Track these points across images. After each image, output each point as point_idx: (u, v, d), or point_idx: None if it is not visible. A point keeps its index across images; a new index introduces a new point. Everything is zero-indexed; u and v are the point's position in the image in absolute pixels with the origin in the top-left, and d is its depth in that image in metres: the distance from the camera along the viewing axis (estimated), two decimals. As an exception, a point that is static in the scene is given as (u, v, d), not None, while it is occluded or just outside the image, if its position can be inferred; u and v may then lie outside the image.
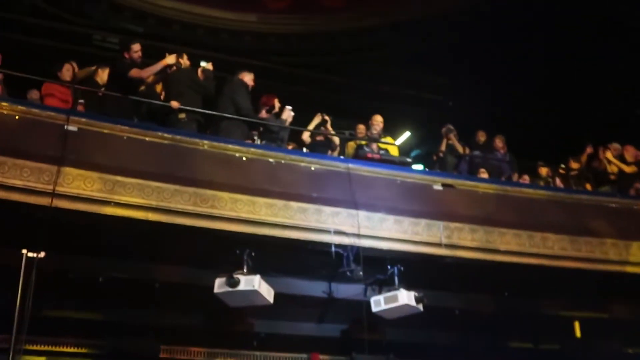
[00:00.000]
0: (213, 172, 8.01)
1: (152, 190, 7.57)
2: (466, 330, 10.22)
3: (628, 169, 11.18)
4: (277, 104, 9.85)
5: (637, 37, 12.98)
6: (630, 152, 11.54)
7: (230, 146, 8.32)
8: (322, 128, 10.49)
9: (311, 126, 10.43)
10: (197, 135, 8.37)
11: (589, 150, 11.93)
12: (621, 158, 11.62)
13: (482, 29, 13.88)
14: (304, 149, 9.86)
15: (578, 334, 10.38)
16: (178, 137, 8.12)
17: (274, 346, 9.99)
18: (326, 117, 10.58)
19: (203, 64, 9.57)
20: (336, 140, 10.49)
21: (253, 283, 7.69)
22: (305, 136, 10.31)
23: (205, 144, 8.18)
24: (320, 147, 10.18)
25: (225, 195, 7.86)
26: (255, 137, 9.60)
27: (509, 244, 8.91)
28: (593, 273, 9.22)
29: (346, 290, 8.87)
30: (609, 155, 11.35)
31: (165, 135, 8.06)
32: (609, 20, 12.58)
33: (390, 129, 11.73)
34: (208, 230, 7.71)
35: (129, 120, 8.29)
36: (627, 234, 9.57)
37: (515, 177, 11.04)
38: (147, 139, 7.95)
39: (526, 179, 11.06)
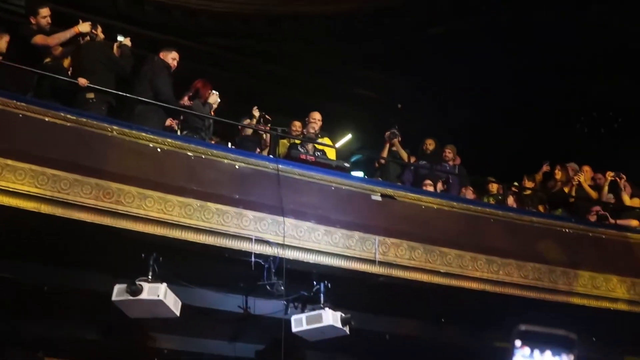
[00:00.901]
0: (121, 163, 7.83)
1: (47, 179, 7.34)
2: (396, 357, 10.28)
3: (595, 196, 11.39)
4: (210, 95, 9.65)
5: (599, 57, 13.38)
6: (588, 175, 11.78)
7: (144, 134, 8.13)
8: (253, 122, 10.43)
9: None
10: (106, 120, 8.15)
11: (546, 168, 12.16)
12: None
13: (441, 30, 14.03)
14: (229, 144, 9.75)
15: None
16: (84, 119, 7.88)
17: (178, 365, 9.86)
18: (267, 117, 10.53)
19: (120, 38, 9.38)
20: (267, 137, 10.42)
21: (158, 292, 7.55)
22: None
23: (114, 130, 7.98)
24: (248, 144, 10.09)
25: (133, 190, 7.68)
26: (176, 127, 9.46)
27: (450, 266, 8.99)
28: (539, 302, 9.38)
29: (265, 307, 8.81)
30: (581, 178, 11.52)
31: (69, 116, 7.82)
32: (569, 36, 12.91)
33: (330, 129, 11.71)
34: (110, 228, 7.53)
35: (26, 95, 8.03)
36: (579, 262, 9.77)
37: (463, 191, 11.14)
38: (46, 119, 7.71)
39: (469, 192, 11.16)
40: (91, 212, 7.46)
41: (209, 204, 7.99)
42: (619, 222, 10.76)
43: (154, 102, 8.90)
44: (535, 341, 1.12)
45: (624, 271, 9.87)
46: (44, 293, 8.09)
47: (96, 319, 8.80)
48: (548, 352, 1.13)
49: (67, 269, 8.17)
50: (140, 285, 7.52)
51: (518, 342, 1.12)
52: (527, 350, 1.14)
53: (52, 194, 7.31)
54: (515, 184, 12.17)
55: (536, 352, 1.14)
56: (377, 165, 11.87)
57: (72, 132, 7.79)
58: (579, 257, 9.86)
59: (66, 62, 9.31)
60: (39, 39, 8.60)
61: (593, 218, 10.79)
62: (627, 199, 11.33)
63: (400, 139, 11.67)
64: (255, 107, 10.64)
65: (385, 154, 11.63)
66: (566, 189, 11.84)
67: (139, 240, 7.71)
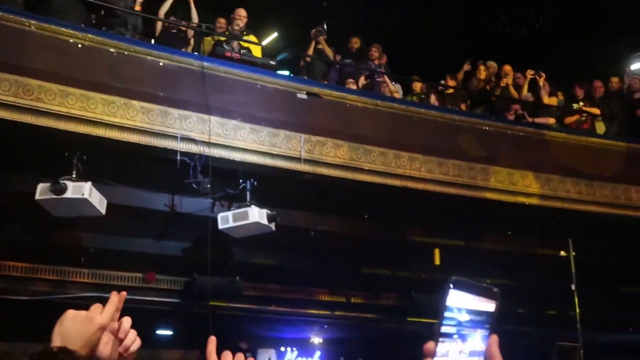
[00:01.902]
0: (40, 59, 7.64)
1: (-38, 75, 7.12)
2: (321, 253, 10.59)
3: (516, 95, 11.64)
4: None
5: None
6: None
7: (63, 30, 7.91)
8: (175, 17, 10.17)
9: (166, 5, 10.02)
10: (23, 14, 7.88)
11: (467, 67, 12.37)
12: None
13: None
14: (152, 41, 9.56)
15: (437, 261, 11.03)
16: (-1, 13, 7.61)
17: (104, 263, 9.93)
18: None
19: None
20: (191, 33, 10.23)
21: (82, 190, 7.52)
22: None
23: (32, 25, 7.73)
24: (172, 40, 9.89)
25: (54, 87, 7.53)
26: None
27: (374, 163, 9.18)
28: (458, 198, 9.71)
29: (191, 205, 8.90)
30: (509, 80, 11.70)
31: (-17, 9, 7.53)
32: None
33: (255, 27, 11.56)
34: (31, 126, 7.40)
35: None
36: (498, 159, 10.10)
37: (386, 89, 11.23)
38: (-41, 11, 7.41)
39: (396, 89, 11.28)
40: (10, 109, 7.31)
41: (133, 101, 7.91)
42: (537, 120, 11.10)
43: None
44: (466, 290, 1.24)
45: (540, 168, 10.25)
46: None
47: (21, 219, 8.71)
48: (475, 297, 1.24)
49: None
50: (64, 184, 7.47)
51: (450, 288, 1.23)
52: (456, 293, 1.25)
53: (-31, 90, 7.10)
54: (442, 82, 12.34)
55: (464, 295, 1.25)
56: (302, 63, 11.83)
57: (-13, 27, 7.52)
58: (498, 154, 10.18)
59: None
60: None
61: (512, 117, 11.10)
62: (545, 98, 11.66)
63: (326, 36, 11.62)
64: None
65: (311, 51, 11.59)
66: (488, 87, 12.12)
67: (62, 139, 7.62)
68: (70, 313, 1.69)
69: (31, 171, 7.87)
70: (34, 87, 7.40)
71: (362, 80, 11.20)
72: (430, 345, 1.27)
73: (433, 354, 1.26)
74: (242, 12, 10.57)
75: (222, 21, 10.79)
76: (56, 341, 1.64)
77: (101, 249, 9.52)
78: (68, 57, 7.81)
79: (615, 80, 12.29)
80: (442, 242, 10.99)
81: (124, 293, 1.76)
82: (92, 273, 10.08)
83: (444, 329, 1.25)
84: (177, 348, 14.45)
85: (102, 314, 1.71)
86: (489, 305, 1.26)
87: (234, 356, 1.65)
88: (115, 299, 1.75)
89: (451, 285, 1.24)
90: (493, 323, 1.27)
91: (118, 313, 1.77)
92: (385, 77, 11.24)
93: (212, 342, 1.67)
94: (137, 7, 9.46)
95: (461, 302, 1.25)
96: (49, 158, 7.73)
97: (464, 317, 1.25)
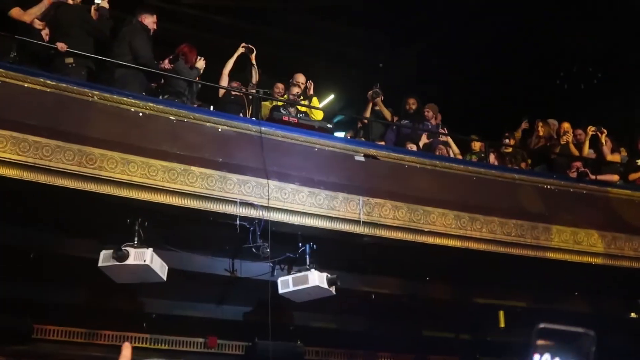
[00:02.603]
0: (103, 128, 7.77)
1: (29, 145, 7.28)
2: (381, 316, 10.40)
3: (577, 153, 11.40)
4: (198, 60, 9.62)
5: (579, 10, 13.33)
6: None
7: (125, 99, 8.07)
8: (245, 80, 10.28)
9: (231, 61, 10.17)
10: (86, 85, 8.08)
11: (525, 125, 12.22)
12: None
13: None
14: (211, 107, 9.69)
15: (502, 323, 10.72)
16: (63, 85, 7.80)
17: (166, 328, 9.92)
18: (250, 46, 10.26)
19: (97, 0, 9.23)
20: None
21: (144, 257, 7.57)
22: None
23: (95, 95, 7.91)
24: (230, 105, 10.02)
25: (116, 155, 7.64)
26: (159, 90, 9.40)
27: (434, 224, 9.04)
28: (522, 259, 9.48)
29: (251, 269, 8.85)
30: (569, 138, 11.52)
31: (49, 81, 7.73)
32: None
33: (313, 90, 11.65)
34: (94, 194, 7.50)
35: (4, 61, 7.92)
36: (561, 218, 9.85)
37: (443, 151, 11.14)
38: (26, 84, 7.62)
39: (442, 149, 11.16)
40: (74, 178, 7.42)
41: (192, 167, 7.97)
42: (600, 177, 10.84)
43: (134, 65, 8.81)
44: (553, 338, 1.13)
45: (605, 226, 9.96)
46: (31, 259, 8.05)
47: (83, 285, 8.79)
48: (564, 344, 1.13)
49: (53, 235, 8.15)
50: (126, 250, 7.53)
51: (536, 348, 1.12)
52: (536, 356, 1.14)
53: (35, 160, 7.25)
54: (506, 139, 12.17)
55: (545, 357, 1.14)
56: (360, 125, 11.85)
57: (52, 98, 7.71)
58: (561, 213, 9.93)
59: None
60: (15, 12, 8.50)
61: (574, 174, 10.86)
62: (608, 154, 11.39)
63: (382, 97, 11.63)
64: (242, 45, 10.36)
65: (368, 113, 11.60)
66: (548, 144, 11.92)
67: (124, 206, 7.69)
68: None
69: (94, 237, 7.96)
70: (96, 156, 7.52)
71: (424, 139, 11.12)
72: None
73: None
74: (300, 78, 10.70)
75: (280, 86, 10.92)
76: None
77: (162, 314, 9.51)
78: (129, 126, 7.94)
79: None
80: (507, 304, 10.69)
81: (127, 344, 1.68)
82: (153, 338, 10.06)
83: None
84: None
85: None
86: (582, 348, 1.14)
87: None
88: (128, 353, 1.66)
89: (538, 334, 1.13)
90: None
91: None
92: (448, 137, 11.18)
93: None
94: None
95: (548, 345, 1.13)
96: (111, 225, 7.81)
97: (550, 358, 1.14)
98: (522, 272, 9.73)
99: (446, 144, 11.32)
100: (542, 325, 1.12)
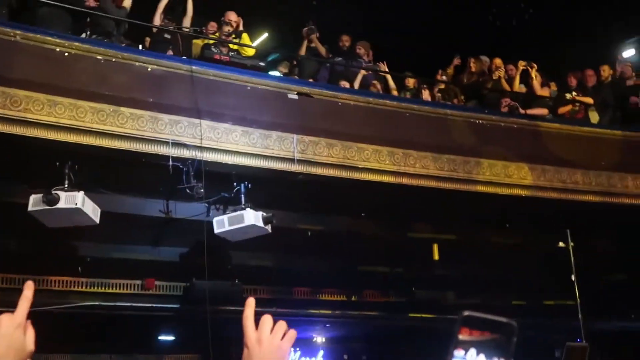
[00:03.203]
0: (27, 69, 7.52)
1: (-51, 88, 7.01)
2: (319, 253, 10.49)
3: (509, 89, 11.48)
4: None
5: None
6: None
7: (49, 39, 7.79)
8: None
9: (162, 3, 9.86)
10: (7, 24, 7.77)
11: (457, 61, 12.27)
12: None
13: None
14: (140, 46, 9.43)
15: (436, 256, 10.93)
16: (-17, 25, 7.50)
17: (102, 272, 9.83)
18: None
19: None
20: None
21: (75, 200, 7.43)
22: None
23: (17, 35, 7.62)
24: (160, 44, 9.76)
25: (42, 97, 7.41)
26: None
27: (368, 161, 9.06)
28: (454, 193, 9.61)
29: (186, 210, 8.80)
30: (501, 74, 11.57)
31: (-33, 21, 7.43)
32: None
33: (246, 29, 11.44)
34: (21, 137, 7.29)
35: None
36: (492, 152, 9.99)
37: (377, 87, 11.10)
38: (-57, 25, 7.30)
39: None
40: (-1, 121, 7.18)
41: (122, 108, 7.79)
42: (529, 111, 10.98)
43: (57, 3, 8.48)
44: (477, 328, 1.11)
45: (535, 159, 10.15)
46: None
47: (15, 230, 8.61)
48: (482, 356, 1.11)
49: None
50: (56, 194, 7.37)
51: (458, 343, 1.10)
52: (461, 352, 1.12)
53: (-44, 104, 6.99)
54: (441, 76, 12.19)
55: (470, 353, 1.12)
56: (294, 63, 11.70)
57: (-28, 39, 7.40)
58: (492, 147, 10.07)
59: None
60: None
61: (505, 109, 10.98)
62: (538, 88, 11.53)
63: (318, 35, 11.49)
64: None
65: (303, 50, 11.45)
66: (480, 80, 12.00)
67: (52, 149, 7.51)
68: None
69: (23, 182, 7.77)
70: (21, 98, 7.28)
71: (359, 78, 11.02)
72: None
73: None
74: (232, 16, 10.45)
75: (212, 25, 10.67)
76: None
77: (97, 257, 9.41)
78: (55, 66, 7.69)
79: (606, 68, 12.16)
80: (441, 237, 10.88)
81: (30, 282, 1.61)
82: (90, 282, 9.97)
83: None
84: (179, 353, 14.33)
85: (15, 313, 1.57)
86: (504, 340, 1.13)
87: (274, 323, 1.54)
88: (29, 293, 1.60)
89: (462, 322, 1.11)
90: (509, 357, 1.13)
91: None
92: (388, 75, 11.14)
93: (250, 305, 1.54)
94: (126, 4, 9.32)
95: (473, 339, 1.11)
96: (40, 169, 7.63)
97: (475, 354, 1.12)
98: (455, 206, 9.89)
99: (383, 79, 11.27)
100: (466, 314, 1.10)
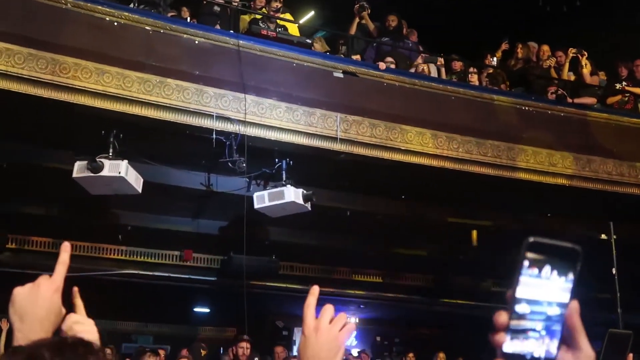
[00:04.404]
0: (77, 37, 7.55)
1: (0, 53, 7.07)
2: (357, 233, 10.45)
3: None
4: None
5: None
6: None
7: (99, 7, 7.83)
8: None
9: None
10: (59, -9, 7.80)
11: (505, 46, 12.08)
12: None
13: None
14: (188, 19, 9.44)
15: (475, 242, 10.83)
16: (36, -10, 7.54)
17: (142, 241, 9.92)
18: None
19: None
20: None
21: (119, 169, 7.48)
22: None
23: (69, 2, 7.66)
24: (207, 17, 9.76)
25: (90, 65, 7.46)
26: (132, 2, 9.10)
27: (411, 143, 8.99)
28: (497, 179, 9.49)
29: (227, 184, 8.81)
30: (552, 62, 11.38)
31: (20, -13, 7.47)
32: None
33: (292, 6, 11.39)
34: (68, 104, 7.35)
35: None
36: (537, 140, 9.83)
37: (422, 68, 10.97)
38: (-4, -11, 7.35)
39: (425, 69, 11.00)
40: (47, 87, 7.25)
41: (168, 80, 7.81)
42: (577, 100, 10.79)
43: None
44: (543, 253, 1.07)
45: (580, 149, 9.98)
46: (4, 170, 7.94)
47: (58, 196, 8.71)
48: (555, 273, 1.07)
49: (26, 146, 8.03)
50: (101, 162, 7.43)
51: (526, 262, 1.06)
52: (534, 270, 1.08)
53: (6, 68, 7.05)
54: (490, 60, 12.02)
55: (544, 271, 1.08)
56: (342, 42, 11.60)
57: (22, 4, 7.45)
58: (538, 134, 9.91)
59: None
60: None
61: (552, 97, 10.78)
62: (587, 77, 11.30)
63: (369, 11, 11.35)
64: None
65: (354, 28, 11.33)
66: (524, 66, 11.80)
67: (98, 117, 7.56)
68: (17, 289, 1.52)
69: (68, 149, 7.85)
70: (70, 65, 7.33)
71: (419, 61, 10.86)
72: (502, 315, 1.10)
73: (506, 325, 1.09)
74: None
75: (260, 0, 10.62)
76: (16, 323, 1.50)
77: (138, 227, 9.50)
78: (104, 35, 7.73)
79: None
80: (480, 224, 10.77)
81: (67, 244, 1.60)
82: (129, 250, 10.09)
83: (519, 294, 1.09)
84: (214, 325, 14.47)
85: (53, 276, 1.56)
86: (570, 265, 1.09)
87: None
88: (66, 257, 1.58)
89: (527, 249, 1.07)
90: (573, 289, 1.10)
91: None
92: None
93: (314, 294, 1.53)
94: None
95: (538, 266, 1.08)
96: (86, 136, 7.69)
97: (541, 284, 1.09)
98: (496, 193, 9.77)
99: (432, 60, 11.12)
100: (532, 239, 1.06)
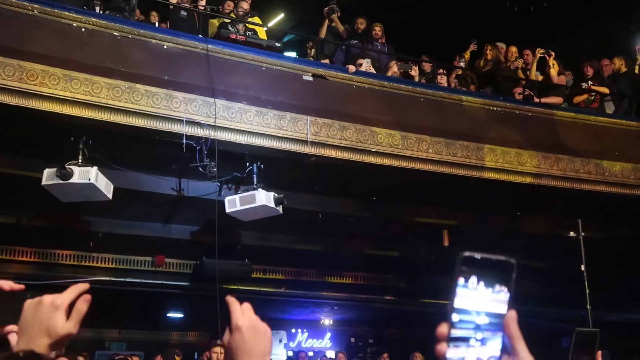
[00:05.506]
0: (44, 44, 7.52)
1: (-34, 60, 7.03)
2: (329, 235, 10.51)
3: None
4: None
5: None
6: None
7: (66, 13, 7.80)
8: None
9: None
10: (25, -3, 7.77)
11: (473, 47, 12.20)
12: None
13: None
14: (157, 24, 9.43)
15: (446, 242, 10.93)
16: (1, -3, 7.51)
17: (113, 247, 9.89)
18: None
19: None
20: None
21: (89, 175, 7.47)
22: None
23: (35, 8, 7.63)
24: (177, 22, 9.75)
25: (58, 71, 7.43)
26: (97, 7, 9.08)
27: (381, 145, 9.06)
28: (467, 179, 9.59)
29: (198, 188, 8.83)
30: (520, 63, 11.50)
31: (-16, -6, 7.43)
32: None
33: (261, 9, 11.42)
34: (36, 111, 7.31)
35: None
36: (505, 140, 9.95)
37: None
38: (-39, -3, 7.31)
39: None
40: (15, 94, 7.21)
41: (137, 85, 7.81)
42: (545, 99, 10.93)
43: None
44: (474, 266, 1.13)
45: (548, 148, 10.11)
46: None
47: (28, 204, 8.66)
48: (482, 284, 1.14)
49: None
50: (70, 169, 7.41)
51: (460, 275, 1.13)
52: (465, 282, 1.15)
53: (-28, 76, 7.01)
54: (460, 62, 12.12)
55: (470, 282, 1.15)
56: (310, 44, 11.65)
57: (-10, 12, 7.41)
58: (506, 134, 10.03)
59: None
60: None
61: (520, 97, 10.89)
62: (555, 77, 11.43)
63: (339, 14, 11.40)
64: None
65: (324, 31, 11.37)
66: (497, 68, 11.92)
67: (67, 124, 7.54)
68: (28, 301, 1.54)
69: (38, 156, 7.81)
70: (37, 72, 7.31)
71: (394, 67, 10.88)
72: (443, 327, 1.16)
73: (447, 336, 1.15)
74: (248, -5, 10.40)
75: (229, 3, 10.64)
76: (12, 336, 1.52)
77: (109, 233, 9.47)
78: (71, 42, 7.71)
79: (616, 61, 12.00)
80: (451, 224, 10.88)
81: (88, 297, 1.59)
82: (101, 257, 10.05)
83: (456, 304, 1.15)
84: (187, 330, 14.45)
85: (59, 295, 1.56)
86: (504, 276, 1.16)
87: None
88: (84, 287, 1.59)
89: (462, 263, 1.14)
90: (510, 299, 1.16)
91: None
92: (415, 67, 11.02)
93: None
94: None
95: (473, 279, 1.14)
96: (55, 143, 7.66)
97: (477, 297, 1.15)
98: (467, 192, 9.88)
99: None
100: (466, 254, 1.13)
